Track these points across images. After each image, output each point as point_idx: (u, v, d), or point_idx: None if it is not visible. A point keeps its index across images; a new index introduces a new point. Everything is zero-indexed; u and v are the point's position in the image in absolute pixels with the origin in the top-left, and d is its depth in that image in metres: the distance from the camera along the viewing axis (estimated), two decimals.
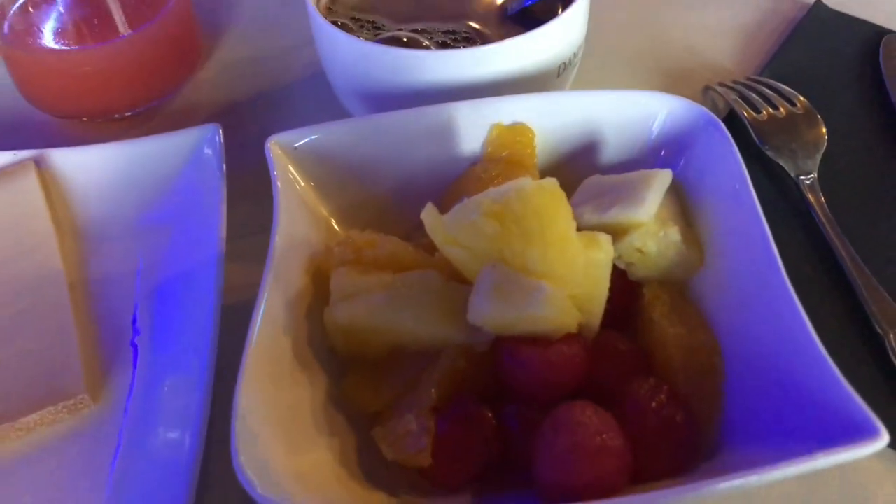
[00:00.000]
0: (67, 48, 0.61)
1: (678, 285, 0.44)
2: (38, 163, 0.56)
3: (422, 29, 0.55)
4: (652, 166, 0.46)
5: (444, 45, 0.54)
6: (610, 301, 0.40)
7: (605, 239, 0.40)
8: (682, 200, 0.45)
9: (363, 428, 0.40)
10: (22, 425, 0.44)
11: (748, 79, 0.62)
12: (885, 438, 0.32)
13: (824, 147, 0.56)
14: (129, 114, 0.64)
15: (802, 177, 0.54)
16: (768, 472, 0.32)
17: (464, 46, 0.54)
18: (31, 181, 0.55)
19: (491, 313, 0.38)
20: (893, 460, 0.43)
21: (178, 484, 0.39)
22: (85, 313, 0.50)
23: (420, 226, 0.42)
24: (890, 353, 0.45)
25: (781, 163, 0.55)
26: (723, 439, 0.38)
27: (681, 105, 0.47)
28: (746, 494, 0.42)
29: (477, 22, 0.56)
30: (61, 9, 0.62)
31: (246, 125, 0.63)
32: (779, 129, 0.57)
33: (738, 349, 0.40)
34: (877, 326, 0.46)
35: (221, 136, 0.54)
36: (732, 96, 0.60)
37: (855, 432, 0.32)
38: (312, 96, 0.65)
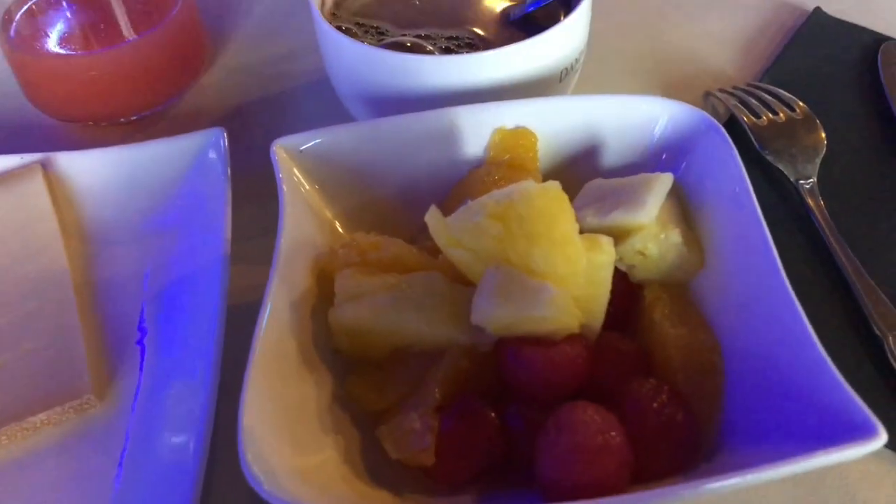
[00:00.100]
0: (73, 53, 0.62)
1: (679, 287, 0.44)
2: (45, 166, 0.56)
3: (425, 34, 0.56)
4: (653, 170, 0.46)
5: (447, 51, 0.55)
6: (611, 303, 0.41)
7: (606, 241, 0.40)
8: (683, 203, 0.46)
9: (367, 427, 0.41)
10: (29, 424, 0.44)
11: (748, 84, 0.63)
12: (883, 437, 0.32)
13: (823, 152, 0.57)
14: (135, 118, 0.64)
15: (802, 181, 0.55)
16: (767, 471, 0.32)
17: (467, 52, 0.55)
18: (37, 184, 0.55)
19: (494, 314, 0.38)
20: (893, 461, 0.43)
21: (184, 483, 0.40)
22: (91, 315, 0.50)
23: (423, 228, 0.43)
24: (888, 354, 0.45)
25: (781, 167, 0.56)
26: (723, 439, 0.38)
27: (682, 110, 0.47)
28: (746, 494, 0.42)
29: (480, 27, 0.57)
30: (67, 14, 0.63)
31: (250, 129, 0.64)
32: (778, 134, 0.58)
33: (738, 349, 0.40)
34: (875, 329, 0.47)
35: (226, 139, 0.55)
36: (733, 102, 0.60)
37: (853, 431, 0.32)
38: (316, 101, 0.66)
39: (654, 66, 0.67)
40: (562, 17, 0.54)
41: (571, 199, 0.41)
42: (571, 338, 0.39)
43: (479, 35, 0.56)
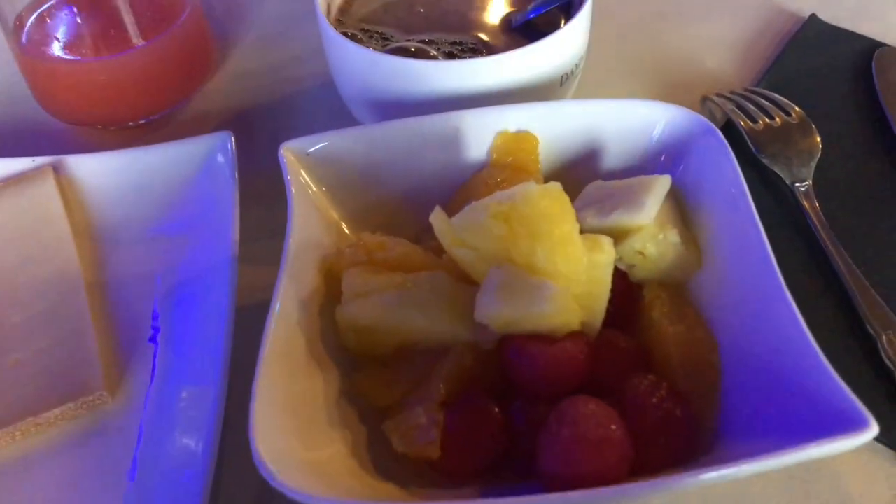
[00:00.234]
0: (83, 58, 0.63)
1: (677, 286, 0.45)
2: (56, 169, 0.57)
3: (429, 40, 0.57)
4: (651, 172, 0.47)
5: (450, 56, 0.56)
6: (611, 301, 0.42)
7: (606, 241, 0.41)
8: (681, 205, 0.47)
9: (374, 422, 0.42)
10: (43, 420, 0.45)
11: (745, 89, 0.64)
12: (874, 429, 0.33)
13: (818, 155, 0.58)
14: (143, 122, 0.65)
15: (798, 184, 0.56)
16: (762, 462, 0.33)
17: (470, 57, 0.56)
18: (49, 186, 0.56)
19: (497, 311, 0.39)
20: (885, 456, 0.44)
21: (196, 476, 0.41)
22: (103, 314, 0.51)
23: (428, 229, 0.44)
24: (882, 353, 0.46)
25: (777, 170, 0.57)
26: (720, 432, 0.39)
27: (679, 114, 0.48)
28: (741, 488, 0.43)
29: (482, 33, 0.58)
30: (77, 20, 0.64)
31: (256, 133, 0.65)
32: (774, 138, 0.59)
33: (734, 346, 0.41)
34: (869, 328, 0.48)
35: (233, 143, 0.56)
36: (729, 106, 0.61)
37: (846, 424, 0.33)
38: (321, 105, 0.67)
39: (653, 71, 0.68)
40: (562, 24, 0.55)
41: (572, 201, 0.42)
42: (573, 335, 0.40)
43: (482, 41, 0.57)
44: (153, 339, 0.49)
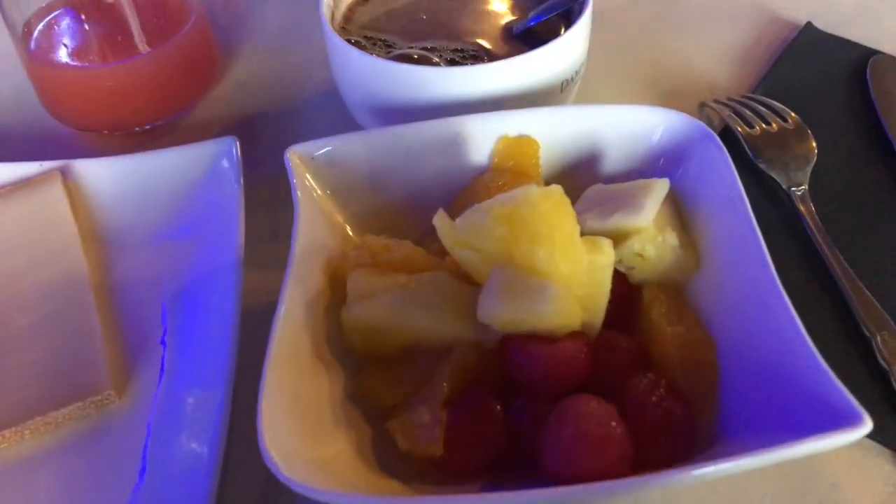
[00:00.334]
0: (90, 65, 0.64)
1: (676, 288, 0.46)
2: (63, 173, 0.58)
3: (431, 47, 0.58)
4: (650, 176, 0.48)
5: (452, 63, 0.57)
6: (612, 303, 0.42)
7: (606, 243, 0.42)
8: (679, 208, 0.48)
9: (378, 422, 0.42)
10: (51, 419, 0.46)
11: (742, 96, 0.64)
12: (868, 425, 0.33)
13: (814, 160, 0.58)
14: (148, 127, 0.66)
15: (794, 188, 0.57)
16: (758, 457, 0.33)
17: (471, 64, 0.56)
18: (56, 191, 0.57)
19: (500, 311, 0.40)
20: (879, 454, 0.45)
21: (202, 476, 0.41)
22: (109, 316, 0.52)
23: (430, 232, 0.45)
24: (877, 353, 0.47)
25: (774, 175, 0.58)
26: (718, 430, 0.40)
27: (678, 119, 0.49)
28: (738, 486, 0.44)
29: (484, 41, 0.59)
30: (85, 27, 0.65)
31: (260, 139, 0.65)
32: (771, 144, 0.60)
33: (732, 346, 0.42)
34: (864, 329, 0.48)
35: (238, 148, 0.57)
36: (727, 112, 0.62)
37: (841, 420, 0.34)
38: (324, 112, 0.67)
39: (652, 77, 0.69)
40: (562, 32, 0.56)
41: (572, 204, 0.42)
42: (573, 335, 0.41)
43: (483, 48, 0.58)
44: (162, 341, 0.50)
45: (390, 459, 0.41)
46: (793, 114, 0.62)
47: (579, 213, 0.44)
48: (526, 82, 0.54)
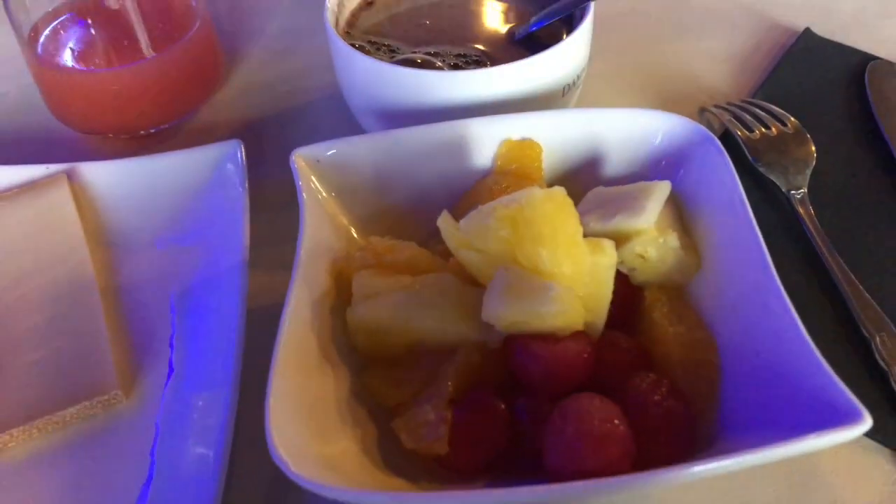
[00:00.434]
0: (96, 69, 0.64)
1: (677, 289, 0.46)
2: (70, 176, 0.59)
3: (435, 52, 0.59)
4: (651, 179, 0.48)
5: (455, 67, 0.57)
6: (614, 303, 0.43)
7: (609, 244, 0.43)
8: (680, 210, 0.48)
9: (383, 421, 0.43)
10: (59, 418, 0.46)
11: (741, 101, 0.65)
12: (867, 422, 0.34)
13: (813, 164, 0.59)
14: (153, 131, 0.67)
15: (793, 191, 0.57)
16: (760, 454, 0.34)
17: (474, 68, 0.57)
18: (63, 193, 0.57)
19: (504, 311, 0.40)
20: (879, 453, 0.46)
21: (209, 471, 0.42)
22: (116, 317, 0.52)
23: (434, 234, 0.45)
24: (876, 354, 0.48)
25: (773, 178, 0.58)
26: (719, 429, 0.40)
27: (679, 122, 0.49)
28: (740, 484, 0.44)
29: (486, 45, 0.60)
30: (91, 31, 0.65)
31: (263, 143, 0.66)
32: (770, 147, 0.60)
33: (732, 346, 0.42)
34: (863, 330, 0.49)
35: (243, 151, 0.57)
36: (727, 117, 0.63)
37: (842, 417, 0.34)
38: (327, 116, 0.68)
39: (652, 83, 0.70)
40: (564, 37, 0.57)
41: (575, 206, 0.43)
42: (576, 335, 0.41)
43: (485, 53, 0.59)
44: (170, 341, 0.50)
45: (395, 458, 0.42)
46: (792, 118, 0.63)
47: (581, 215, 0.45)
48: (528, 86, 0.54)
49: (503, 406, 0.41)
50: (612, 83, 0.69)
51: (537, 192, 0.41)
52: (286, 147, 0.50)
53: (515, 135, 0.51)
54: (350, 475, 0.39)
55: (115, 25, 0.65)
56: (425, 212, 0.49)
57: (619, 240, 0.45)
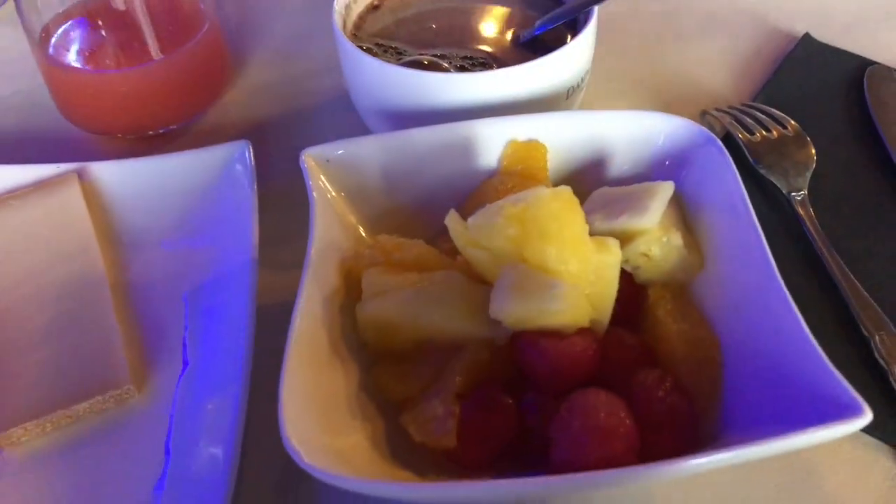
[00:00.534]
0: (105, 70, 0.65)
1: (680, 287, 0.47)
2: (80, 175, 0.59)
3: (441, 54, 0.59)
4: (655, 179, 0.49)
5: (462, 69, 0.58)
6: (618, 301, 0.44)
7: (613, 243, 0.43)
8: (683, 210, 0.49)
9: (391, 415, 0.43)
10: (72, 412, 0.47)
11: (742, 104, 0.66)
12: (868, 415, 0.35)
13: (813, 166, 0.60)
14: (162, 131, 0.67)
15: (794, 193, 0.58)
16: (763, 446, 0.35)
17: (480, 70, 0.58)
18: (74, 192, 0.58)
19: (511, 308, 0.41)
20: (879, 449, 0.46)
21: (222, 465, 0.42)
22: (127, 313, 0.53)
23: (441, 233, 0.46)
24: (875, 352, 0.48)
25: (774, 180, 0.59)
26: (722, 423, 0.41)
27: (681, 124, 0.50)
28: (742, 479, 0.45)
29: (492, 48, 0.60)
30: (102, 33, 0.66)
31: (270, 143, 0.67)
32: (771, 150, 0.61)
33: (735, 342, 0.43)
34: (863, 329, 0.50)
35: (251, 151, 0.58)
36: (728, 120, 0.64)
37: (842, 411, 0.35)
38: (334, 117, 0.69)
39: (654, 86, 0.70)
40: (568, 40, 0.58)
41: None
42: (582, 331, 0.42)
43: (491, 55, 0.60)
44: (183, 337, 0.51)
45: (403, 452, 0.42)
46: (792, 121, 0.63)
47: (587, 215, 0.45)
48: (533, 89, 0.55)
49: (510, 401, 0.42)
50: (615, 86, 0.70)
51: (544, 191, 0.42)
52: (293, 148, 0.51)
53: (521, 136, 0.52)
54: (360, 467, 0.40)
55: (124, 28, 0.66)
56: (432, 211, 0.49)
57: (624, 239, 0.45)
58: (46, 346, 0.50)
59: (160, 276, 0.55)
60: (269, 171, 0.61)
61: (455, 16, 0.63)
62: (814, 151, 0.61)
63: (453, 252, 0.46)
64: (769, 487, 0.45)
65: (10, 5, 0.64)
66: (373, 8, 0.64)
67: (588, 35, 0.57)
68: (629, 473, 0.35)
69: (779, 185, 0.59)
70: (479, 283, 0.45)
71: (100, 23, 0.66)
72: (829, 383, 0.37)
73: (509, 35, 0.62)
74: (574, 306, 0.41)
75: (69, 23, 0.66)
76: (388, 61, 0.57)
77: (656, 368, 0.43)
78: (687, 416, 0.41)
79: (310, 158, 0.50)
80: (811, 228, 0.55)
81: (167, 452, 0.45)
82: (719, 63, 0.73)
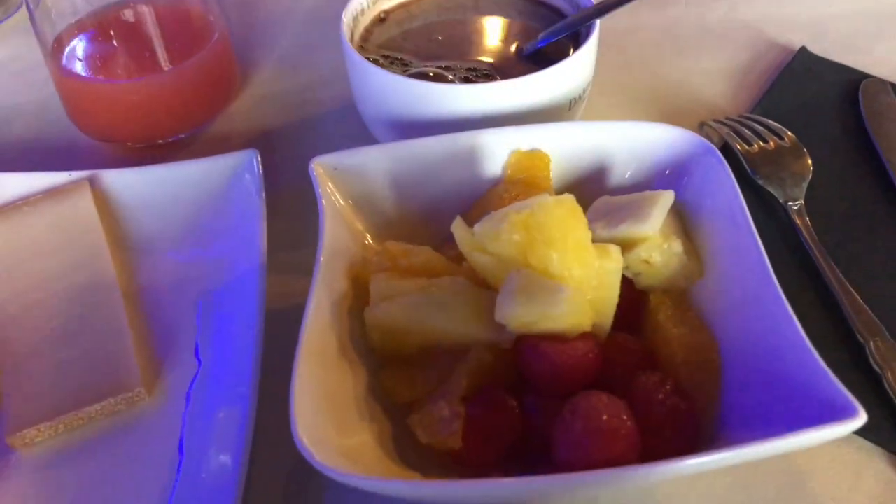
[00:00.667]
0: (116, 79, 0.66)
1: (680, 293, 0.48)
2: (92, 182, 0.60)
3: (446, 66, 0.61)
4: (656, 188, 0.50)
5: (466, 81, 0.59)
6: (620, 306, 0.45)
7: (615, 250, 0.45)
8: (683, 218, 0.50)
9: (398, 417, 0.44)
10: (84, 415, 0.48)
11: (740, 116, 0.67)
12: (862, 417, 0.36)
13: (810, 177, 0.61)
14: (171, 140, 0.69)
15: (790, 203, 0.59)
16: (759, 447, 0.36)
17: (484, 82, 0.59)
18: (86, 199, 0.59)
19: (516, 312, 0.42)
20: (872, 452, 0.47)
21: (232, 465, 0.43)
22: (138, 318, 0.54)
23: (447, 239, 0.47)
24: (870, 358, 0.49)
25: (771, 190, 0.60)
26: (721, 425, 0.42)
27: (681, 134, 0.51)
28: (735, 486, 0.46)
29: (496, 60, 0.62)
30: (113, 44, 0.67)
31: (277, 151, 0.68)
32: (768, 161, 0.62)
33: (734, 347, 0.44)
34: (858, 335, 0.51)
35: (259, 160, 0.59)
36: (726, 131, 0.65)
37: (838, 413, 0.36)
38: (341, 127, 0.70)
39: (654, 98, 0.72)
40: (571, 53, 0.59)
41: None
42: (584, 335, 0.43)
43: (495, 67, 0.61)
44: (196, 341, 0.52)
45: (409, 452, 0.43)
46: (789, 133, 0.65)
47: (589, 223, 0.46)
48: (536, 100, 0.56)
49: (514, 403, 0.43)
50: (616, 98, 0.71)
51: (548, 199, 0.43)
52: (300, 157, 0.52)
53: (524, 146, 0.53)
54: (368, 466, 0.41)
55: (135, 38, 0.67)
56: (438, 218, 0.50)
57: (626, 246, 0.46)
58: (59, 349, 0.51)
59: (171, 281, 0.56)
60: (277, 178, 0.62)
61: (460, 28, 0.65)
62: (810, 162, 0.62)
63: (459, 258, 0.47)
64: (766, 489, 0.46)
65: (24, 16, 0.65)
66: (380, 20, 0.66)
67: (590, 48, 0.58)
68: (629, 473, 0.36)
69: (776, 195, 0.60)
70: (484, 289, 0.46)
71: (111, 33, 0.67)
72: (825, 386, 0.38)
73: (513, 47, 0.63)
74: (577, 311, 0.42)
75: (81, 33, 0.67)
76: (395, 72, 0.58)
77: (657, 372, 0.44)
78: (687, 418, 0.42)
79: (319, 167, 0.51)
80: (807, 237, 0.56)
81: (181, 452, 0.46)
82: (718, 75, 0.74)
